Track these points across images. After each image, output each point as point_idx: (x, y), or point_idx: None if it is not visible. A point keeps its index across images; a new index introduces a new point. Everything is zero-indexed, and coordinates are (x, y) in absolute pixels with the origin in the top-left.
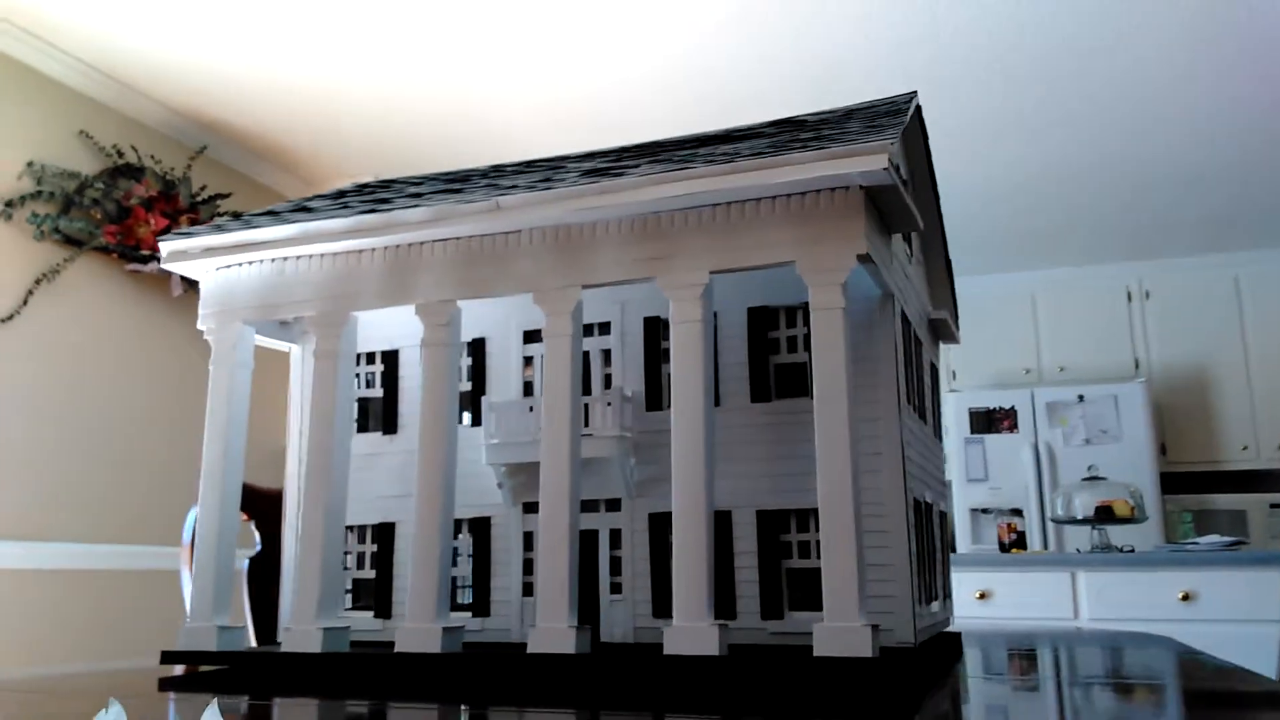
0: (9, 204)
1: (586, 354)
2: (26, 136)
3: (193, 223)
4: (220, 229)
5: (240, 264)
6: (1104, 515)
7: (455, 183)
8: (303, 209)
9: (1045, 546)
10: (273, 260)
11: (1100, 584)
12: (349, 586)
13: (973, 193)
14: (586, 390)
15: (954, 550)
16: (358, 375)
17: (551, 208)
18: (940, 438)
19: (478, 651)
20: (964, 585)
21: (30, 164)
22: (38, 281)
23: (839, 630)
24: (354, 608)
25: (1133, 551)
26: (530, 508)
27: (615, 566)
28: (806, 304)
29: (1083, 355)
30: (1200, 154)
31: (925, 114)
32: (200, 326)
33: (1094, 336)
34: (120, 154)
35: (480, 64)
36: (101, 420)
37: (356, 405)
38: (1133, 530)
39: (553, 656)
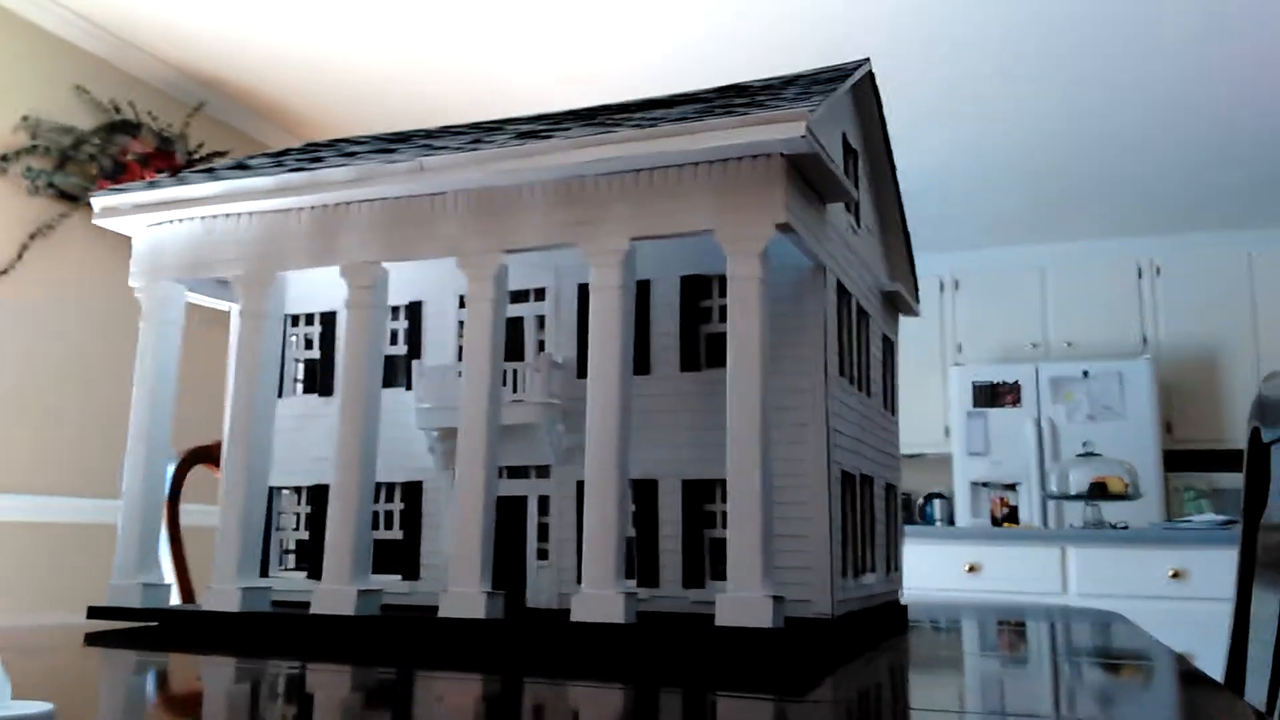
0: (4, 158)
1: (521, 319)
2: (22, 90)
3: None
4: (153, 186)
5: (170, 221)
6: (1098, 491)
7: (396, 143)
8: (240, 166)
9: (1046, 523)
10: (202, 219)
11: (1090, 560)
12: (291, 547)
13: (982, 164)
14: (521, 356)
15: (951, 523)
16: (296, 337)
17: (474, 170)
18: (894, 411)
19: (391, 615)
20: (954, 558)
21: (25, 118)
22: (32, 236)
23: (741, 600)
24: (296, 568)
25: (1125, 529)
26: None
27: (544, 533)
28: None
29: (1090, 330)
30: (1218, 128)
31: (935, 81)
32: (131, 284)
33: (1102, 312)
34: (117, 109)
35: (482, 27)
36: (91, 374)
37: (303, 366)
38: (1130, 507)
39: (464, 621)
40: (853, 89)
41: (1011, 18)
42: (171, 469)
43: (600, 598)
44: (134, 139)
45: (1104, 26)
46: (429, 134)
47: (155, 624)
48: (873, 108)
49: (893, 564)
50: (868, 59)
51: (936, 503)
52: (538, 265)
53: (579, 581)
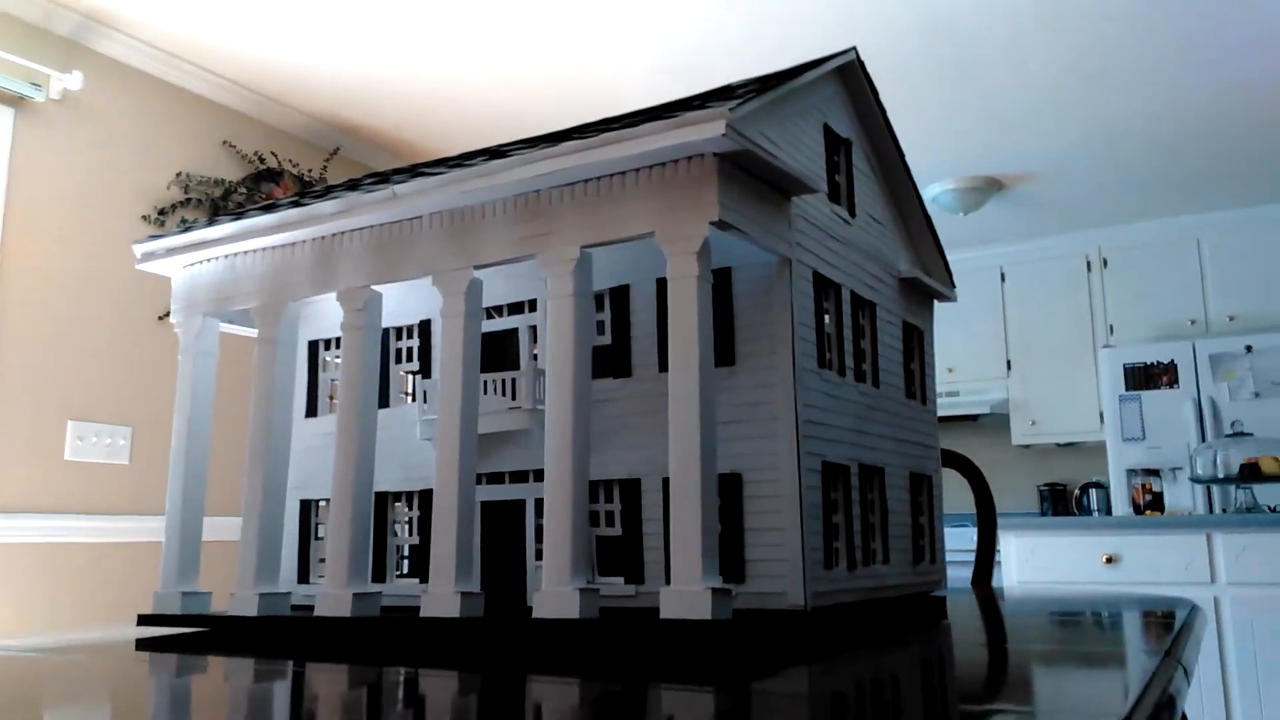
0: (161, 212)
1: (514, 331)
2: (176, 149)
3: None
4: (185, 230)
5: (201, 261)
6: (1249, 473)
7: (420, 170)
8: (294, 204)
9: (1211, 509)
10: (226, 257)
11: (1240, 546)
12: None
13: (1120, 137)
14: (516, 365)
15: (1109, 514)
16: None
17: (439, 193)
18: (923, 400)
19: (384, 616)
20: (1090, 549)
21: (179, 174)
22: None
23: (682, 593)
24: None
25: (1276, 511)
26: None
27: (541, 535)
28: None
29: (1254, 302)
30: None
31: (1070, 47)
32: (171, 320)
33: (1267, 281)
34: (261, 160)
35: (602, 49)
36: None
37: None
38: None
39: (441, 620)
40: (843, 78)
41: None
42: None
43: (557, 594)
44: (277, 185)
45: None
46: (449, 162)
47: (200, 630)
48: (867, 95)
49: (926, 555)
50: (853, 48)
51: (1094, 492)
52: (528, 278)
53: None
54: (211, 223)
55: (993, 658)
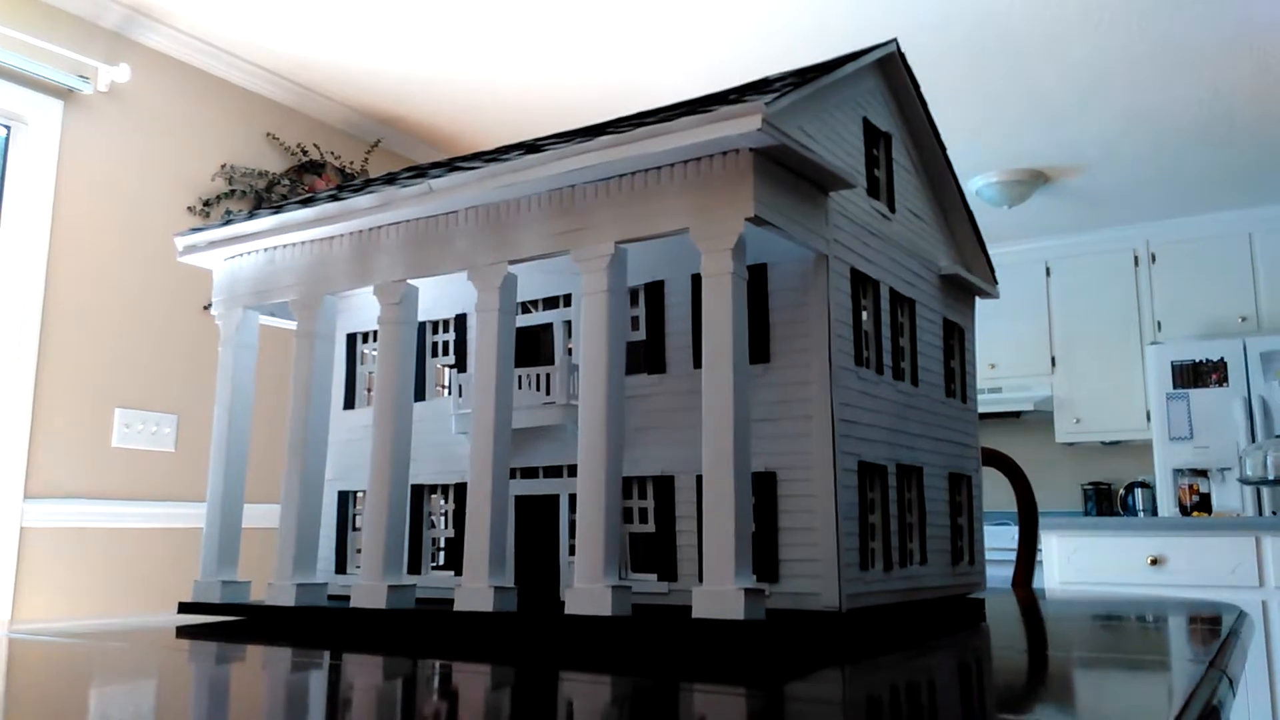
0: (206, 203)
1: (549, 326)
2: (220, 142)
3: None
4: (226, 224)
5: (241, 254)
6: None
7: (457, 165)
8: (333, 198)
9: (1261, 511)
10: (265, 250)
11: None
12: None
13: (1177, 124)
14: (551, 360)
15: (1154, 514)
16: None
17: (475, 188)
18: (963, 398)
19: (418, 609)
20: (1135, 551)
21: (223, 166)
22: None
23: (714, 593)
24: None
25: None
26: None
27: (574, 529)
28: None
29: None
30: None
31: (1115, 37)
32: (212, 312)
33: None
34: (304, 152)
35: (642, 54)
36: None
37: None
38: None
39: (474, 614)
40: (883, 70)
41: None
42: None
43: (589, 591)
44: (319, 178)
45: None
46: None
47: (238, 618)
48: (908, 88)
49: (965, 556)
50: (893, 40)
51: (1139, 492)
52: (563, 273)
53: None
54: (251, 216)
55: (1033, 662)
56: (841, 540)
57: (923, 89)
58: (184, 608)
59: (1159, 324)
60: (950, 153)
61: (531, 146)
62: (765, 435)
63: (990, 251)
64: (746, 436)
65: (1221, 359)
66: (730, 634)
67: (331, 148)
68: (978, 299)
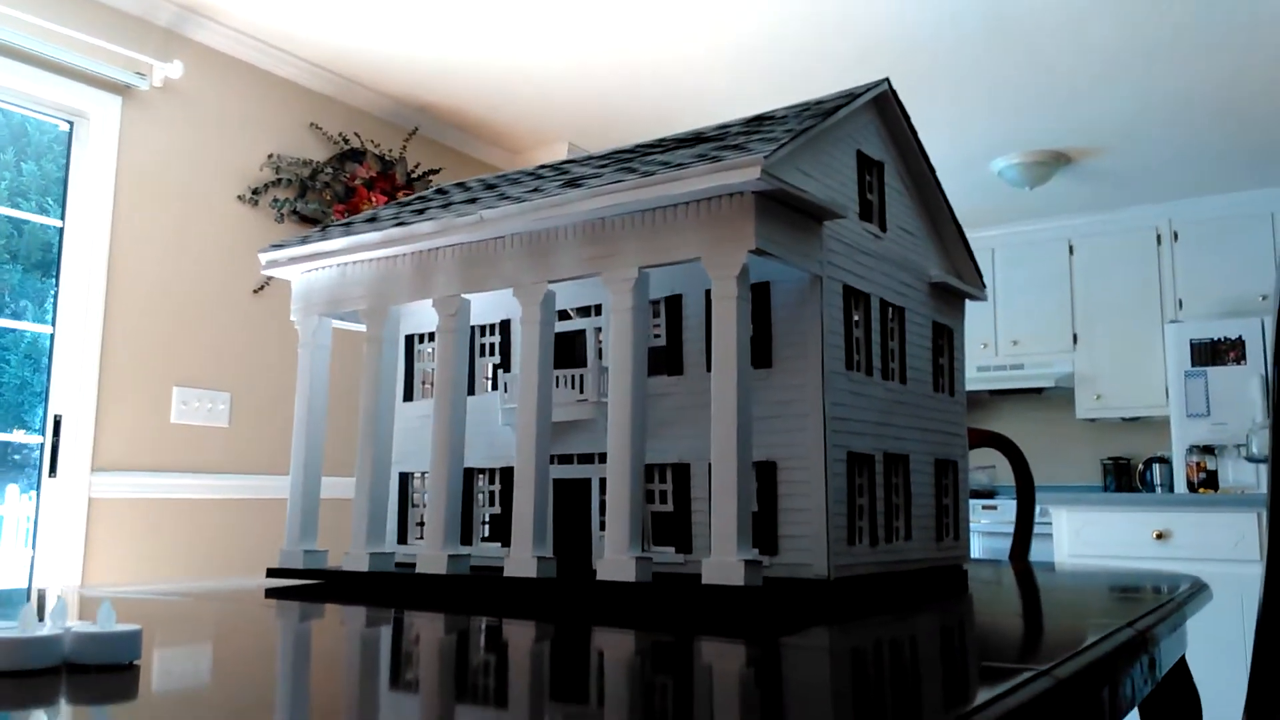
0: (255, 192)
1: (582, 332)
2: (267, 132)
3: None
4: (304, 242)
5: (317, 269)
6: None
7: (503, 186)
8: (398, 223)
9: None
10: (337, 265)
11: None
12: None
13: (1197, 103)
14: (584, 363)
15: (1171, 490)
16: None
17: (520, 219)
18: (951, 392)
19: (474, 574)
20: (1141, 526)
21: (270, 156)
22: None
23: (720, 563)
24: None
25: None
26: None
27: (604, 508)
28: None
29: None
30: None
31: (1133, 16)
32: (292, 319)
33: None
34: (345, 140)
35: (664, 22)
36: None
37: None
38: None
39: (521, 579)
40: (876, 106)
41: None
42: None
43: (619, 561)
44: (360, 165)
45: None
46: (528, 174)
47: (318, 582)
48: (899, 119)
49: (951, 532)
50: (885, 80)
51: (1157, 467)
52: (596, 284)
53: None
54: (324, 236)
55: (981, 621)
56: (831, 519)
57: (943, 73)
58: (271, 572)
59: (1180, 302)
60: (971, 135)
61: (570, 180)
62: (768, 430)
63: (1014, 229)
64: (749, 431)
65: (1240, 337)
66: (733, 598)
67: (371, 136)
68: (996, 279)
